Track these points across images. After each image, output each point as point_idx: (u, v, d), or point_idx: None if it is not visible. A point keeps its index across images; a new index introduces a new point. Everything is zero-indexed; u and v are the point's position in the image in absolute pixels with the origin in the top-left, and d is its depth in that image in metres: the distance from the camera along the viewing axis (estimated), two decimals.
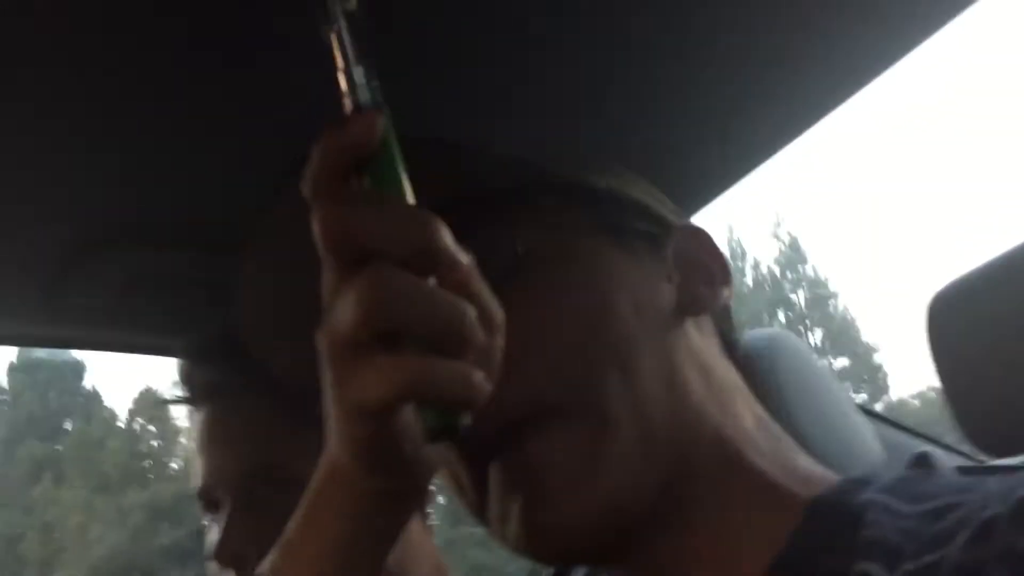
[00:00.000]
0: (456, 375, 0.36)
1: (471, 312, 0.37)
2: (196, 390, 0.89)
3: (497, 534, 0.50)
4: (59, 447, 19.22)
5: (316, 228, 0.36)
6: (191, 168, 0.84)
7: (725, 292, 0.57)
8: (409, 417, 0.39)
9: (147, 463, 19.46)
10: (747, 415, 0.54)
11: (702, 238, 0.59)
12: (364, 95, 0.39)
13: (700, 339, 0.55)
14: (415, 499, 0.45)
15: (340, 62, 0.40)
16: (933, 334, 0.77)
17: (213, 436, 0.87)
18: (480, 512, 0.51)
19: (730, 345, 0.59)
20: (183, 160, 0.83)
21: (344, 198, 0.37)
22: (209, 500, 0.87)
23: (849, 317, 25.45)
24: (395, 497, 0.44)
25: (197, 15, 0.65)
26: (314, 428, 0.80)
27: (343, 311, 0.36)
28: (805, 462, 0.53)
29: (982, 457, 0.82)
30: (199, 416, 0.89)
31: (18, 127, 0.74)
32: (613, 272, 0.53)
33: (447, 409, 0.37)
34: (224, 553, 0.82)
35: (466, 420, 0.37)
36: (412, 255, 0.36)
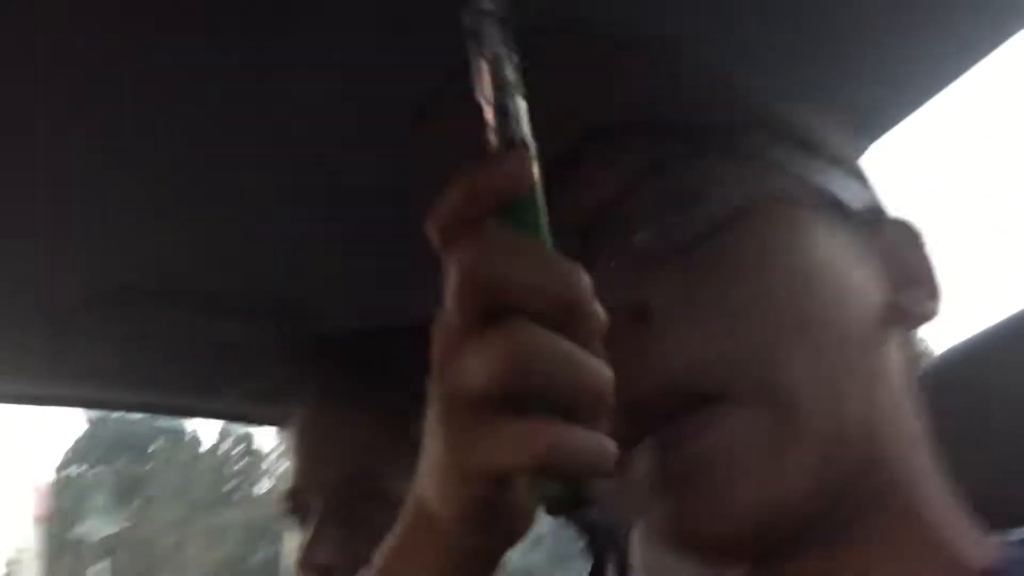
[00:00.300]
0: (593, 446, 0.33)
1: (611, 377, 0.34)
2: (303, 390, 0.88)
3: (637, 523, 0.46)
4: (148, 467, 19.82)
5: (451, 275, 0.33)
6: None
7: (932, 306, 0.49)
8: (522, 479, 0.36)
9: (233, 483, 19.94)
10: (927, 461, 0.47)
11: (916, 238, 0.51)
12: (519, 129, 0.35)
13: (897, 358, 0.48)
14: (507, 551, 0.41)
15: (488, 92, 0.35)
16: (931, 406, 0.73)
17: (314, 439, 0.87)
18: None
19: (916, 375, 0.51)
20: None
21: (485, 243, 0.33)
22: (298, 504, 0.86)
23: None
24: (489, 554, 0.40)
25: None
26: (416, 443, 0.83)
27: (474, 367, 0.32)
28: (969, 523, 0.47)
29: None
30: (300, 418, 0.88)
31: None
32: (830, 252, 0.46)
33: (574, 479, 0.33)
34: (310, 561, 0.81)
35: (590, 492, 0.33)
36: (556, 310, 0.33)
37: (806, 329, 0.43)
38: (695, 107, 0.46)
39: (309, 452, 0.87)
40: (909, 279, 0.49)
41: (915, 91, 0.82)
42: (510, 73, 0.36)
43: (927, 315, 0.49)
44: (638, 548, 0.81)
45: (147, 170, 0.78)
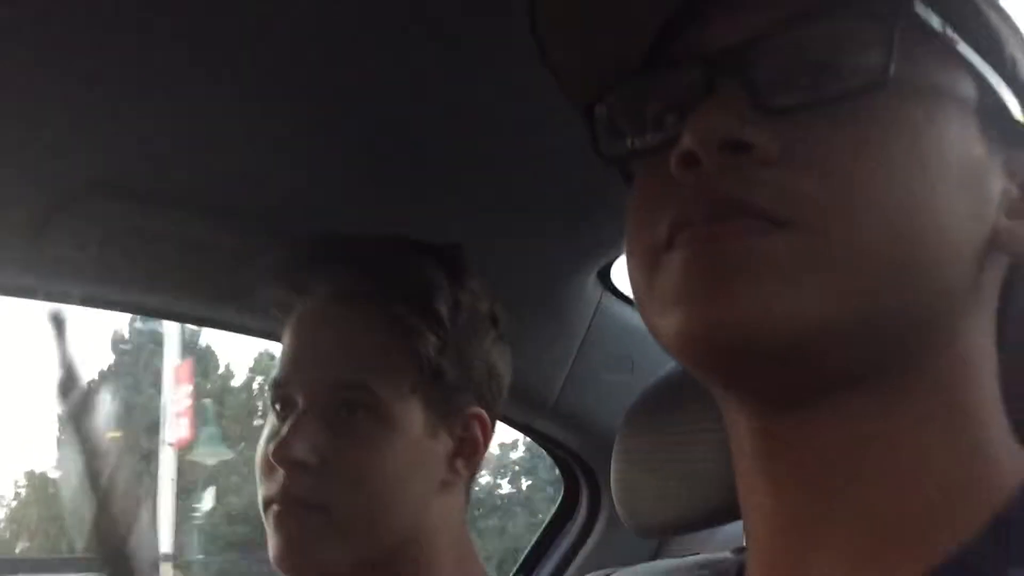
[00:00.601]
0: None
1: None
2: (307, 291, 0.88)
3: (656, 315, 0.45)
4: None
5: None
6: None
7: None
8: None
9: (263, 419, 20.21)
10: (989, 348, 0.46)
11: None
12: None
13: (991, 273, 0.46)
14: None
15: None
16: None
17: (311, 336, 0.87)
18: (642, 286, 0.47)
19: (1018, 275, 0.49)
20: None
21: None
22: (284, 396, 0.86)
23: None
24: None
25: None
26: (412, 365, 0.83)
27: None
28: (1011, 431, 0.46)
29: None
30: (301, 314, 0.88)
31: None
32: (963, 144, 0.44)
33: None
34: (284, 453, 0.81)
35: None
36: None
37: (896, 197, 0.42)
38: None
39: (304, 348, 0.86)
40: None
41: None
42: None
43: None
44: (616, 470, 0.82)
45: (141, 71, 0.78)
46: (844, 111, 0.42)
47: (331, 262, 0.88)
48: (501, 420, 1.42)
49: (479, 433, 0.88)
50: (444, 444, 0.87)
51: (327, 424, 0.83)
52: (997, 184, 0.46)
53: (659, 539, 1.38)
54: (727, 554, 0.62)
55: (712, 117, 0.43)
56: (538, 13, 0.48)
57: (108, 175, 0.91)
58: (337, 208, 1.02)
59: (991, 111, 0.46)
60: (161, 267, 1.04)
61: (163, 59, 0.77)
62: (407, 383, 0.84)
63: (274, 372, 0.88)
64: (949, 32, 0.44)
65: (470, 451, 0.88)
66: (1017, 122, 0.46)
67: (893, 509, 0.43)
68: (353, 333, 0.85)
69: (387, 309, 0.84)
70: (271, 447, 0.82)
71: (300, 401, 0.84)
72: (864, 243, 0.41)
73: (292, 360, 0.86)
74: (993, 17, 0.45)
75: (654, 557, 1.36)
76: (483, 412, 0.88)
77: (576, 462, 1.47)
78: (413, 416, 0.84)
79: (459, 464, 0.87)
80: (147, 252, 1.00)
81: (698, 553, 0.74)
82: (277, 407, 0.87)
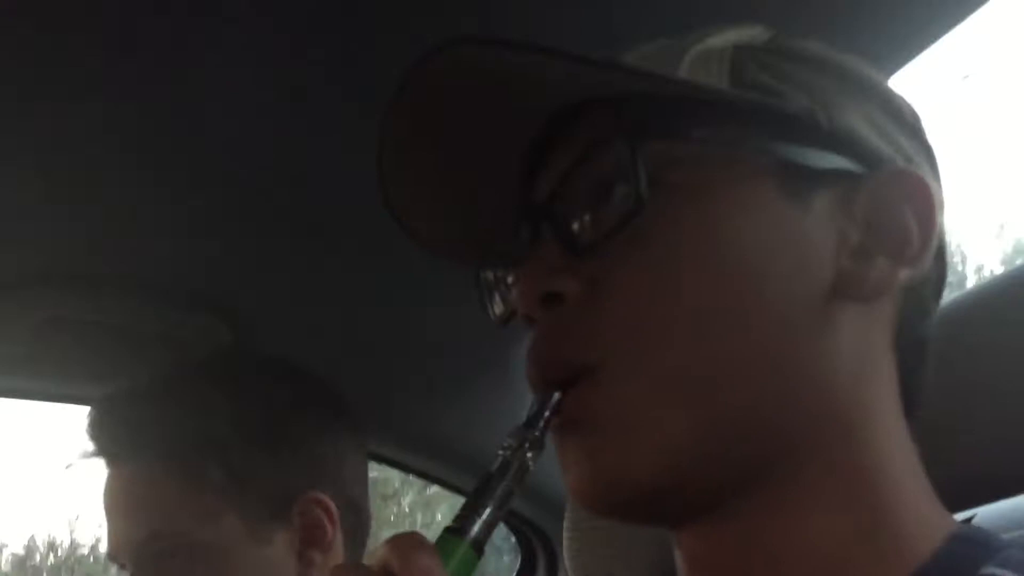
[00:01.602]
0: None
1: None
2: (100, 454, 0.85)
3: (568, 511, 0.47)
4: None
5: None
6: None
7: (907, 272, 0.45)
8: None
9: None
10: (891, 433, 0.46)
11: (914, 187, 0.46)
12: (475, 531, 0.39)
13: (859, 326, 0.45)
14: None
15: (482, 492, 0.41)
16: None
17: (112, 502, 0.84)
18: None
19: (907, 336, 0.47)
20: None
21: None
22: (120, 565, 0.84)
23: None
24: None
25: None
26: (209, 492, 0.81)
27: None
28: (931, 499, 0.46)
29: None
30: (104, 481, 0.86)
31: None
32: (756, 232, 0.43)
33: None
34: None
35: None
36: None
37: (701, 313, 0.42)
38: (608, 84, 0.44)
39: (111, 516, 0.85)
40: (892, 237, 0.45)
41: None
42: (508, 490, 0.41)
43: (888, 284, 0.45)
44: (568, 538, 0.81)
45: (57, 163, 0.77)
46: (631, 239, 0.43)
47: (104, 423, 0.85)
48: (451, 489, 1.40)
49: (323, 515, 0.85)
50: (285, 541, 0.84)
51: None
52: (826, 235, 0.44)
53: None
54: None
55: (529, 274, 0.45)
56: (394, 195, 0.50)
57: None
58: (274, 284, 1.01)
59: (794, 168, 0.44)
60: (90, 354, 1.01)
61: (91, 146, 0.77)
62: (226, 512, 0.82)
63: None
64: (700, 132, 0.44)
65: (319, 536, 0.85)
66: (835, 170, 0.45)
67: None
68: (144, 487, 0.83)
69: (163, 453, 0.82)
70: None
71: (128, 567, 0.82)
72: (674, 377, 0.42)
73: (108, 531, 0.84)
74: (765, 78, 0.46)
75: None
76: (319, 495, 0.85)
77: (530, 528, 1.45)
78: (233, 534, 0.82)
79: (313, 554, 0.84)
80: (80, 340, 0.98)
81: None
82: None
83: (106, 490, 0.84)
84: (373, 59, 0.70)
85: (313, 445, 0.87)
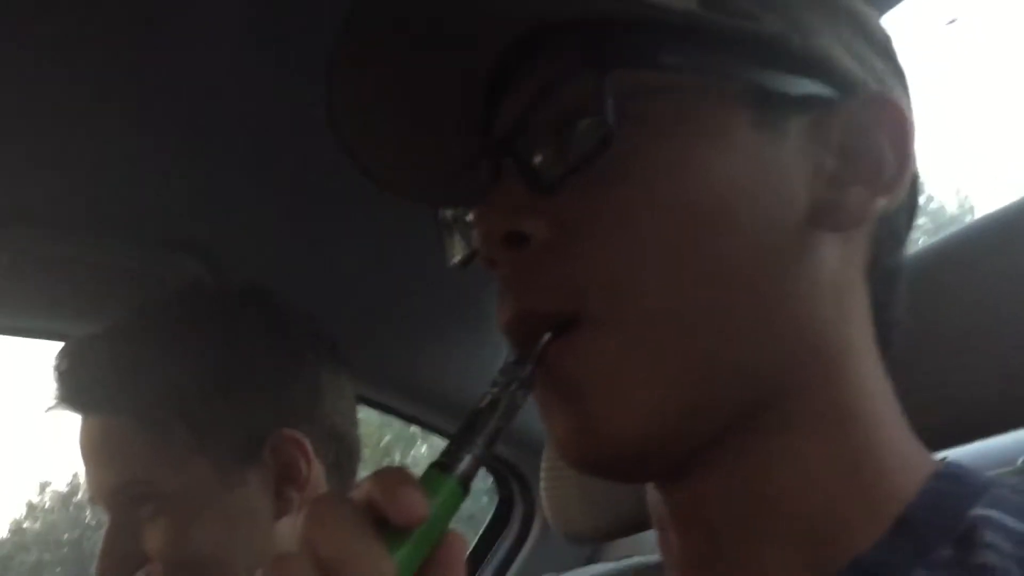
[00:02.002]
0: None
1: None
2: (71, 397, 0.84)
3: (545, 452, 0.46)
4: None
5: (301, 538, 0.34)
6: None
7: (883, 201, 0.44)
8: None
9: None
10: (870, 370, 0.45)
11: (888, 113, 0.44)
12: (462, 467, 0.38)
13: (836, 257, 0.43)
14: None
15: (469, 429, 0.40)
16: None
17: (85, 450, 0.84)
18: None
19: (882, 266, 0.46)
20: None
21: (342, 542, 0.34)
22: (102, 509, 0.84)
23: None
24: None
25: None
26: (175, 443, 0.80)
27: None
28: (910, 438, 0.45)
29: None
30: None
31: None
32: (729, 162, 0.41)
33: None
34: (103, 570, 0.80)
35: None
36: None
37: (675, 253, 0.41)
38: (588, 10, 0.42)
39: (88, 465, 0.84)
40: (867, 163, 0.44)
41: None
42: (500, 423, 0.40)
43: (864, 213, 0.44)
44: (545, 478, 0.81)
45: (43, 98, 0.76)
46: (599, 175, 0.41)
47: (76, 370, 0.84)
48: (432, 431, 1.41)
49: (296, 453, 0.84)
50: (260, 481, 0.84)
51: (128, 530, 0.81)
52: (801, 164, 0.43)
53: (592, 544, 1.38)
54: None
55: (491, 212, 0.43)
56: (349, 135, 0.47)
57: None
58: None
59: (768, 94, 0.42)
60: (65, 291, 1.00)
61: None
62: (193, 460, 0.82)
63: None
64: (670, 59, 0.41)
65: (294, 474, 0.84)
66: (809, 96, 0.43)
67: (778, 541, 0.43)
68: (115, 436, 0.82)
69: (133, 404, 0.82)
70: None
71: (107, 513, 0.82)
72: (653, 325, 0.41)
73: (87, 479, 0.84)
74: (738, 1, 0.43)
75: (590, 561, 1.37)
76: (293, 432, 0.84)
77: (508, 470, 1.46)
78: (204, 480, 0.81)
79: (290, 492, 0.84)
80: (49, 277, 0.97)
81: (632, 556, 0.75)
82: None
83: (80, 436, 0.84)
84: None
85: (282, 383, 0.86)
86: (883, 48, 0.47)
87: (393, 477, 0.35)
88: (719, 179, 0.41)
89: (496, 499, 1.55)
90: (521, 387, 0.41)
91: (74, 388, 0.82)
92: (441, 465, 0.38)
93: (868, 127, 0.44)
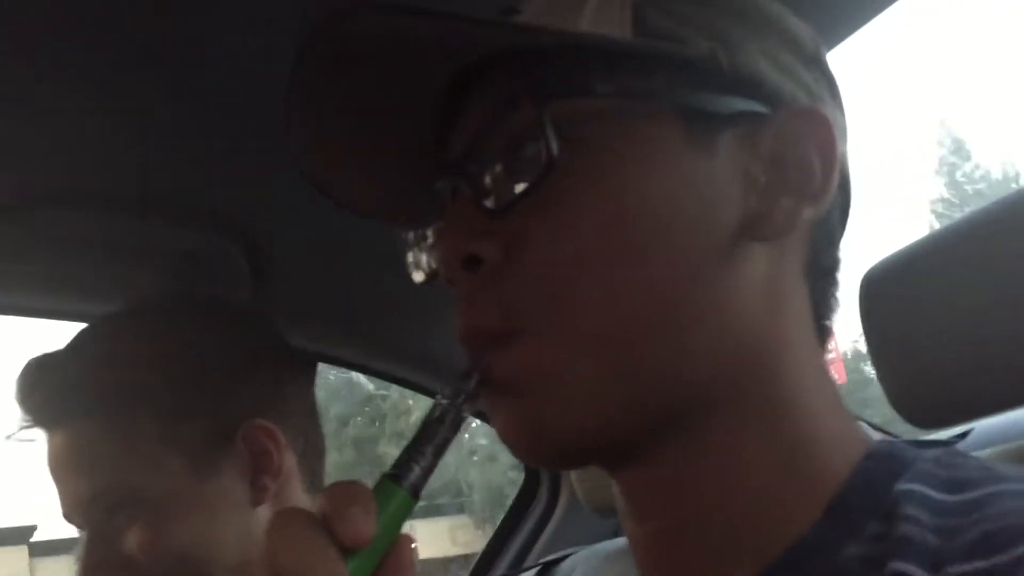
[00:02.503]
0: None
1: None
2: (35, 416, 0.84)
3: None
4: None
5: (266, 542, 0.37)
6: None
7: (810, 210, 0.46)
8: None
9: None
10: (807, 365, 0.47)
11: (816, 123, 0.46)
12: (412, 478, 0.41)
13: (766, 265, 0.46)
14: None
15: (419, 440, 0.43)
16: (865, 311, 0.76)
17: (54, 467, 0.84)
18: None
19: (817, 265, 0.49)
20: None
21: (300, 555, 0.37)
22: (76, 526, 0.84)
23: None
24: None
25: None
26: (144, 441, 0.81)
27: None
28: (847, 423, 0.48)
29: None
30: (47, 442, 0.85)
31: None
32: (657, 179, 0.44)
33: None
34: None
35: None
36: None
37: (608, 267, 0.43)
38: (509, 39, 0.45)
39: (55, 479, 0.84)
40: (796, 174, 0.46)
41: None
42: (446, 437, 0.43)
43: (793, 222, 0.45)
44: None
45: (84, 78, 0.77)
46: (544, 198, 0.44)
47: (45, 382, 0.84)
48: (420, 391, 1.43)
49: (268, 441, 0.85)
50: (234, 471, 0.84)
51: (105, 538, 0.80)
52: (732, 177, 0.45)
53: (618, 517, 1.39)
54: None
55: (448, 235, 0.46)
56: (311, 163, 0.50)
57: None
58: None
59: (698, 114, 0.45)
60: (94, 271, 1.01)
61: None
62: (151, 457, 0.82)
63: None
64: (603, 87, 0.44)
65: (267, 463, 0.85)
66: (738, 113, 0.45)
67: (721, 526, 0.46)
68: (87, 445, 0.82)
69: (102, 412, 0.82)
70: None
71: (82, 527, 0.82)
72: (588, 336, 0.44)
73: (59, 494, 0.84)
74: (667, 23, 0.45)
75: (616, 535, 1.38)
76: (263, 421, 0.85)
77: None
78: (177, 476, 0.82)
79: (265, 480, 0.85)
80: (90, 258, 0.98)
81: None
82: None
83: (48, 456, 0.84)
84: None
85: (249, 378, 0.88)
86: (812, 58, 0.49)
87: (344, 494, 0.38)
88: (652, 196, 0.44)
89: (522, 474, 1.56)
90: (467, 400, 0.44)
91: (35, 406, 0.83)
92: (392, 476, 0.41)
93: (797, 138, 0.46)
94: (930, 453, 0.46)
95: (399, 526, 0.40)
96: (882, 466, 0.45)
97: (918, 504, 0.41)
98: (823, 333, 0.50)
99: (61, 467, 0.83)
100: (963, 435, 0.83)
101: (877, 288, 0.77)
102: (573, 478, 0.83)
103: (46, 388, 0.82)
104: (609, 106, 0.44)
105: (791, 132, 0.46)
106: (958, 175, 23.34)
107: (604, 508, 0.81)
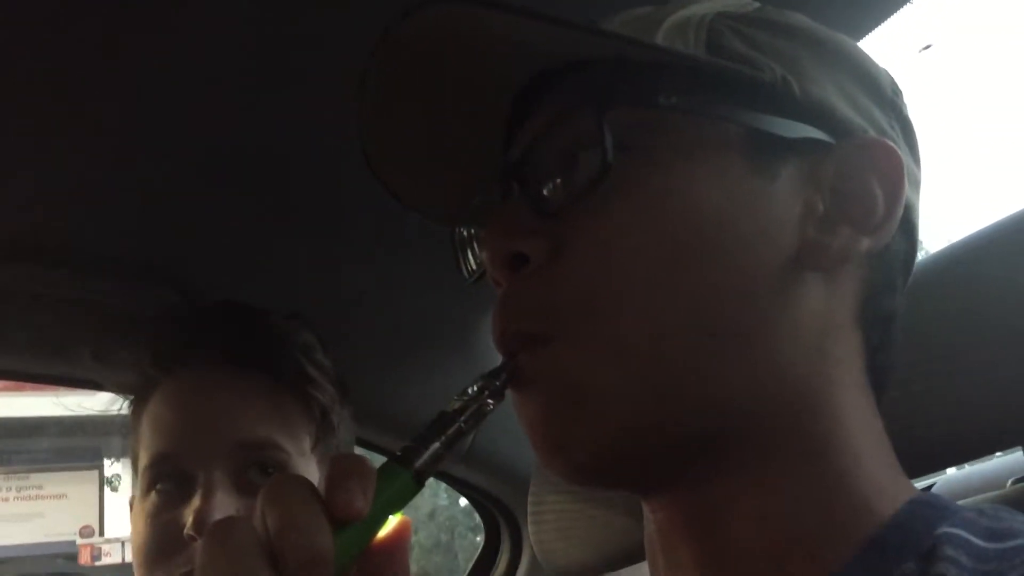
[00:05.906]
0: None
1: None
2: (179, 358, 0.84)
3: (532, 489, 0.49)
4: None
5: (263, 513, 0.37)
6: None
7: (868, 241, 0.45)
8: None
9: None
10: (853, 407, 0.45)
11: (882, 155, 0.45)
12: (420, 462, 0.41)
13: (820, 297, 0.44)
14: None
15: (433, 428, 0.42)
16: None
17: (205, 406, 0.82)
18: None
19: (873, 308, 0.47)
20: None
21: (292, 518, 0.36)
22: (174, 469, 0.80)
23: None
24: None
25: None
26: (306, 411, 0.83)
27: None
28: (892, 469, 0.47)
29: None
30: (177, 383, 0.84)
31: None
32: (724, 195, 0.43)
33: None
34: (205, 524, 0.75)
35: None
36: None
37: (655, 280, 0.43)
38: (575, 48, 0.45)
39: (199, 415, 0.82)
40: (858, 205, 0.45)
41: None
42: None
43: (849, 253, 0.44)
44: (532, 512, 0.80)
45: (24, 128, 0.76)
46: (597, 204, 0.43)
47: (206, 331, 0.86)
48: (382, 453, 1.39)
49: None
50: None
51: (238, 490, 0.79)
52: (791, 204, 0.44)
53: None
54: None
55: (497, 232, 0.46)
56: (376, 155, 0.51)
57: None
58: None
59: (763, 137, 0.44)
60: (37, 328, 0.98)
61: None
62: (307, 440, 0.84)
63: (151, 448, 0.82)
64: (670, 99, 0.44)
65: None
66: (804, 139, 0.45)
67: (752, 560, 0.44)
68: (250, 396, 0.83)
69: (277, 372, 0.84)
70: (189, 521, 0.76)
71: (199, 472, 0.79)
72: (621, 347, 0.42)
73: (182, 429, 0.81)
74: (740, 47, 0.45)
75: None
76: None
77: (495, 506, 1.44)
78: (312, 473, 0.83)
79: None
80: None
81: None
82: (161, 485, 0.81)
83: (201, 392, 0.84)
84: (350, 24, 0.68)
85: (348, 418, 0.93)
86: (887, 98, 0.49)
87: (346, 467, 0.38)
88: (708, 214, 0.43)
89: (483, 535, 1.53)
90: (491, 395, 0.43)
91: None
92: (398, 458, 0.40)
93: (859, 169, 0.45)
94: (973, 505, 0.45)
95: (398, 507, 0.40)
96: (925, 511, 0.44)
97: (959, 547, 0.40)
98: (878, 376, 0.48)
99: (227, 405, 0.83)
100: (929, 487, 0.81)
101: (935, 281, 0.70)
102: (532, 537, 0.81)
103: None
104: (671, 119, 0.44)
105: (856, 162, 0.45)
106: None
107: (563, 570, 0.79)
